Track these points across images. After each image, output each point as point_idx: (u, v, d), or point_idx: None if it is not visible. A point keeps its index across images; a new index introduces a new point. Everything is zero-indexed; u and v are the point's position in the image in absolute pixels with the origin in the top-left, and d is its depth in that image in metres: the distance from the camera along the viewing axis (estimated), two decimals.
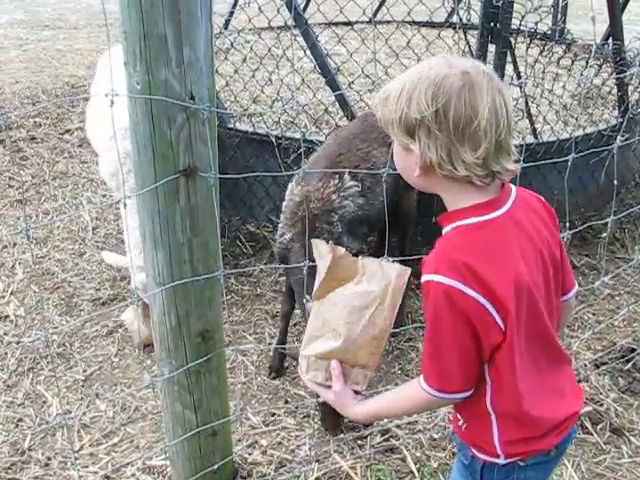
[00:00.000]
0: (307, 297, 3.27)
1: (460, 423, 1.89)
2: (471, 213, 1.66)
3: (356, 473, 3.05)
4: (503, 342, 1.64)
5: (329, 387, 1.90)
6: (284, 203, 3.57)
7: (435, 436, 3.26)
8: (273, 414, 3.42)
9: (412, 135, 1.62)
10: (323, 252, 1.87)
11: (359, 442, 3.24)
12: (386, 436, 3.27)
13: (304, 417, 3.40)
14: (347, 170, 3.50)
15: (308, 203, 3.36)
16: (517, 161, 1.67)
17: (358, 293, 1.81)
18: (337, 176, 3.50)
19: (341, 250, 1.86)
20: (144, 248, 2.37)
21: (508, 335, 1.63)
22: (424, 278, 1.64)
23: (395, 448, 3.20)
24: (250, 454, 3.16)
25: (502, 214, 1.67)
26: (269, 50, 5.01)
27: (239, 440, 3.22)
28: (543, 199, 1.85)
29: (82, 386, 3.61)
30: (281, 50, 4.97)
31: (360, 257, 1.86)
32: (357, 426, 3.32)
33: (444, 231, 1.72)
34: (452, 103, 1.56)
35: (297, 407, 3.44)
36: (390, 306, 1.82)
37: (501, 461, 1.82)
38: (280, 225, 3.52)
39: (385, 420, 3.32)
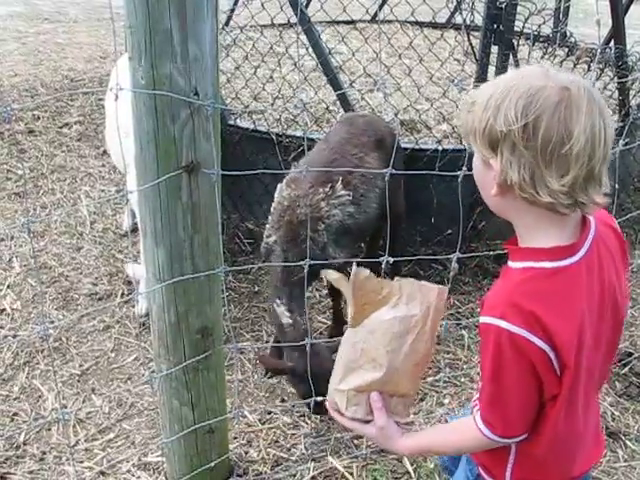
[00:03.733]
0: (277, 301, 3.29)
1: None
2: (546, 256, 1.53)
3: (352, 473, 3.04)
4: (558, 395, 1.57)
5: (368, 421, 1.79)
6: (273, 204, 3.54)
7: None
8: (269, 412, 3.42)
9: (494, 149, 1.48)
10: (336, 279, 1.79)
11: (355, 442, 3.23)
12: None
13: (300, 416, 3.39)
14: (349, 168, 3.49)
15: (295, 208, 3.36)
16: (607, 194, 1.51)
17: (398, 318, 1.70)
18: (328, 184, 3.46)
19: (364, 272, 1.73)
20: (145, 244, 2.36)
21: (564, 389, 1.56)
22: (486, 320, 1.54)
23: None
24: (246, 452, 3.15)
25: (577, 261, 1.54)
26: (271, 47, 5.00)
27: (235, 438, 3.21)
28: (616, 225, 1.74)
29: (78, 381, 3.60)
30: (283, 48, 4.96)
31: (396, 278, 1.74)
32: None
33: (513, 265, 1.59)
34: (544, 119, 1.40)
35: (293, 405, 3.43)
36: (431, 329, 1.72)
37: None
38: (267, 226, 3.51)
39: None
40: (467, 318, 4.11)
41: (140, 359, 3.77)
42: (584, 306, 1.54)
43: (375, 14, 7.25)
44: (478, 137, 1.51)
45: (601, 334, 1.63)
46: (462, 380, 3.65)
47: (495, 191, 1.52)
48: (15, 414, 3.37)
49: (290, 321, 3.23)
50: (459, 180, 2.36)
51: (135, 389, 3.54)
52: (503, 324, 1.49)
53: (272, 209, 3.53)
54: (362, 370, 1.75)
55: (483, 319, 1.55)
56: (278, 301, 3.28)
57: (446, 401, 3.51)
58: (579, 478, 1.80)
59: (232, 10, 6.47)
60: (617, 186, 3.15)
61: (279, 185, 3.57)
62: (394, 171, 2.46)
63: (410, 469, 3.06)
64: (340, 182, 3.47)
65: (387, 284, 1.73)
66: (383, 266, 2.46)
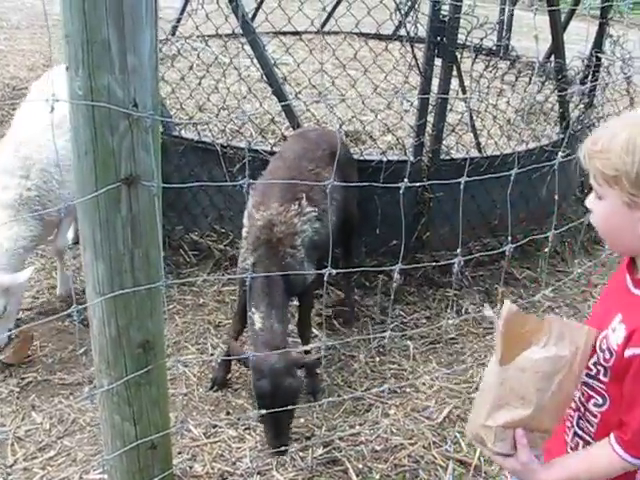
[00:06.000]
0: (253, 310, 3.23)
1: None
2: None
3: None
4: None
5: (509, 455, 1.83)
6: (244, 229, 3.52)
7: (377, 448, 3.26)
8: (214, 426, 3.38)
9: None
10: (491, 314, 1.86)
11: (301, 454, 3.22)
12: (328, 448, 3.25)
13: (245, 429, 3.37)
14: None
15: (272, 227, 3.37)
16: None
17: (549, 358, 1.75)
18: (295, 201, 3.47)
19: (514, 307, 1.79)
20: (84, 257, 2.31)
21: None
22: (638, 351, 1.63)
23: (337, 460, 3.19)
24: (191, 467, 3.11)
25: None
26: (216, 58, 4.98)
27: (179, 453, 3.17)
28: None
29: (17, 397, 3.51)
30: (228, 58, 4.94)
31: (545, 315, 1.83)
32: (299, 437, 3.30)
33: None
34: None
35: (239, 419, 3.40)
36: (578, 370, 1.78)
37: None
38: (242, 251, 3.48)
39: (325, 431, 3.32)
40: (412, 328, 4.14)
41: (82, 374, 3.69)
42: None
43: (323, 25, 7.30)
44: (627, 181, 1.56)
45: None
46: (407, 390, 3.67)
47: None
48: None
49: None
50: (401, 191, 2.38)
51: (77, 405, 3.47)
52: None
53: (245, 233, 3.51)
54: (510, 407, 1.79)
55: (635, 351, 1.64)
56: (254, 310, 3.23)
57: (392, 412, 3.51)
58: None
59: (178, 20, 6.43)
60: (557, 197, 3.22)
61: (246, 212, 3.54)
62: (336, 183, 2.47)
63: None
64: (305, 199, 3.49)
65: (531, 319, 1.80)
66: (325, 278, 2.45)
